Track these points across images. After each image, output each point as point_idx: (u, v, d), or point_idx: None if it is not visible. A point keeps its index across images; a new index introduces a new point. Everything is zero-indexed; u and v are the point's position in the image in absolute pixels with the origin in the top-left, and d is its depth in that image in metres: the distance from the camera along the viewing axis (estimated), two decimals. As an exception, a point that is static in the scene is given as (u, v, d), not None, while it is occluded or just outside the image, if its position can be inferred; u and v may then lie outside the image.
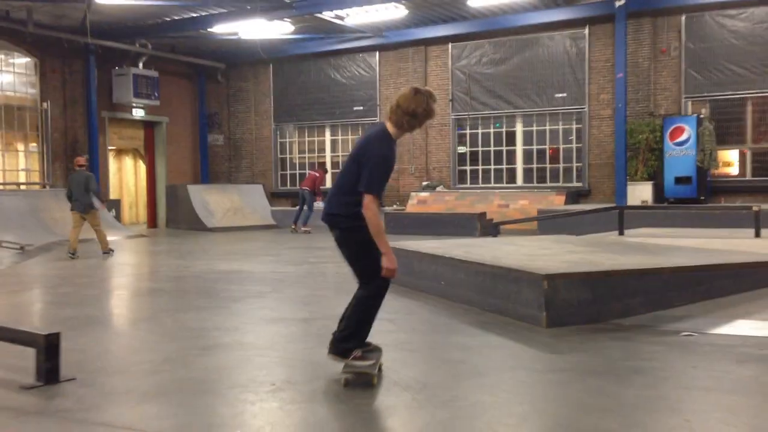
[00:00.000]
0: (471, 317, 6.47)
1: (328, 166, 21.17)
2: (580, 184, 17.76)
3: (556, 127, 18.12)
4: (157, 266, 11.69)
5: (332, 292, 8.18)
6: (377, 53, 20.04)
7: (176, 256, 13.01)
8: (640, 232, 12.29)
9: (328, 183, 18.86)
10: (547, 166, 18.28)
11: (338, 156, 21.08)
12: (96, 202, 12.51)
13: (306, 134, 21.63)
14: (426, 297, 7.57)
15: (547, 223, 14.85)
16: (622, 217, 12.04)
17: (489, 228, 16.34)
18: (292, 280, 9.49)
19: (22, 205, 16.14)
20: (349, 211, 4.45)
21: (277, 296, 8.12)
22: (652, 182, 16.21)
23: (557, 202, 16.99)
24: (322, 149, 21.36)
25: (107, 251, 12.41)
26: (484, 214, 16.46)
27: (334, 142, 21.19)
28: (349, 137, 20.89)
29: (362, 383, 4.34)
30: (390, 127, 4.52)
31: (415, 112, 4.47)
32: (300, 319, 6.69)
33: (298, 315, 6.92)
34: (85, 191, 12.24)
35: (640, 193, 16.13)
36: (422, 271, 7.96)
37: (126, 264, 12.11)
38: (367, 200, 4.34)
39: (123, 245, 15.62)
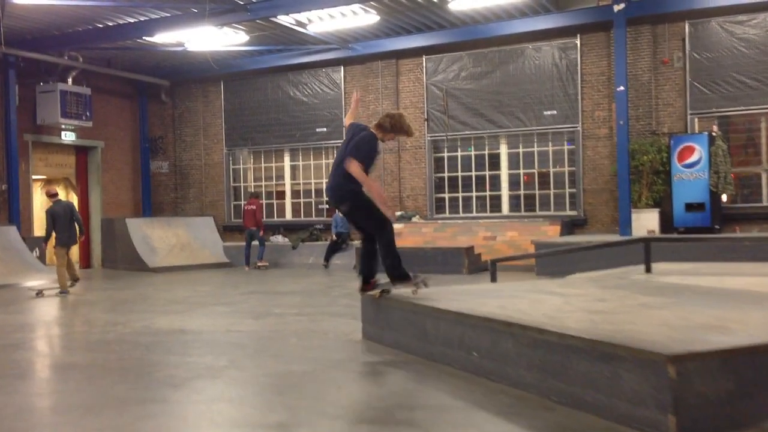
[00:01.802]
0: (538, 418, 4.24)
1: (288, 194, 18.85)
2: (574, 213, 15.79)
3: (546, 148, 16.18)
4: (78, 324, 9.15)
5: (315, 367, 5.86)
6: (342, 68, 17.90)
7: (106, 307, 10.49)
8: (664, 268, 10.31)
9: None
10: (536, 192, 16.28)
11: (299, 183, 18.77)
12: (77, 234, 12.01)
13: (262, 159, 19.26)
14: (451, 375, 5.32)
15: (545, 259, 12.84)
16: (648, 251, 9.98)
17: (478, 265, 14.27)
18: (255, 344, 7.12)
19: None
20: (350, 181, 6.11)
21: (235, 376, 5.74)
22: (658, 209, 14.33)
23: (551, 232, 14.97)
24: (280, 176, 19.00)
25: (66, 291, 11.65)
26: (471, 248, 14.36)
27: (294, 168, 18.88)
28: (312, 162, 18.61)
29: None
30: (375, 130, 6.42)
31: (387, 123, 6.43)
32: (275, 426, 4.33)
33: (270, 417, 4.55)
34: (71, 222, 11.84)
35: (646, 221, 14.22)
36: (441, 335, 5.72)
37: (38, 321, 9.54)
38: (353, 163, 6.04)
39: (46, 292, 12.99)
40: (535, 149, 16.26)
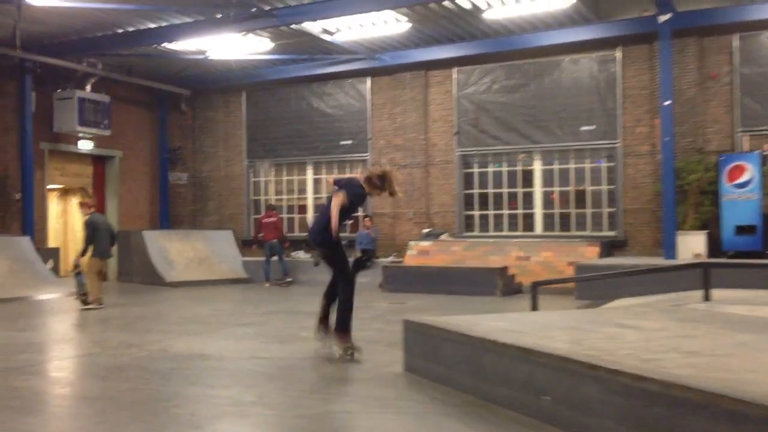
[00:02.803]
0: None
1: (310, 209, 18.17)
2: (613, 233, 14.97)
3: (583, 165, 15.41)
4: (89, 344, 8.45)
5: (356, 406, 5.11)
6: (369, 79, 17.25)
7: (121, 325, 9.79)
8: (720, 296, 9.48)
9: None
10: (572, 211, 15.49)
11: (321, 198, 18.07)
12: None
13: (284, 172, 18.60)
14: (515, 421, 4.55)
15: (586, 282, 12.05)
16: (708, 277, 9.18)
17: (512, 287, 13.51)
18: (285, 375, 6.38)
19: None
20: (328, 236, 6.68)
21: (266, 416, 4.99)
22: (705, 232, 13.50)
23: (589, 254, 14.15)
24: (302, 189, 18.34)
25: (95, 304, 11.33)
26: (505, 269, 13.58)
27: (317, 182, 18.21)
28: (335, 176, 17.91)
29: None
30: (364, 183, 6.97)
31: (378, 181, 6.93)
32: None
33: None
34: (109, 234, 11.76)
35: (692, 244, 13.39)
36: (503, 373, 4.95)
37: (46, 341, 8.86)
38: (339, 195, 6.64)
39: (58, 307, 12.38)
40: (572, 166, 15.49)
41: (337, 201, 6.58)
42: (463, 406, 5.06)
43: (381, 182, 6.91)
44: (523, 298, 12.99)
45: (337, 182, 7.03)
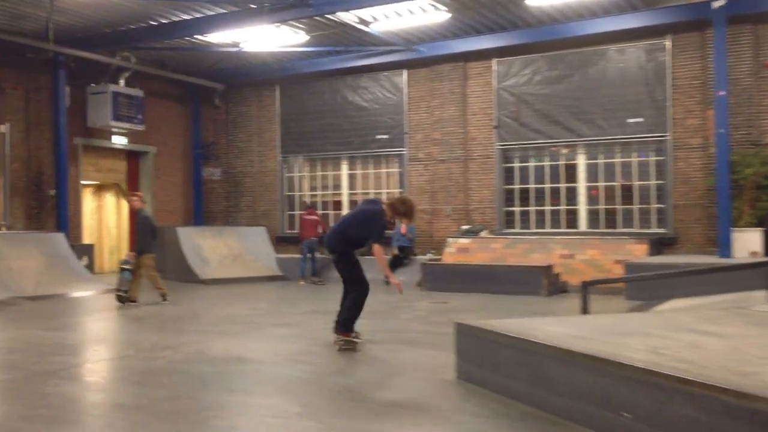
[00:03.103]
0: None
1: (345, 205, 17.79)
2: (662, 230, 14.35)
3: (629, 159, 14.80)
4: (124, 346, 8.14)
5: (410, 419, 4.68)
6: (405, 71, 16.80)
7: (155, 325, 9.49)
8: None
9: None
10: (618, 207, 14.88)
11: (356, 194, 17.69)
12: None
13: (318, 167, 18.25)
14: (595, 441, 4.10)
15: (637, 282, 11.48)
16: (775, 277, 8.62)
17: (557, 286, 12.98)
18: (329, 382, 5.97)
19: (-37, 252, 12.58)
20: (350, 249, 7.44)
21: (312, 430, 4.59)
22: (762, 229, 12.82)
23: (638, 252, 13.54)
24: (337, 185, 17.95)
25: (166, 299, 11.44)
26: (550, 267, 13.04)
27: (352, 177, 17.82)
28: (371, 171, 17.53)
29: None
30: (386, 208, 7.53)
31: (401, 208, 7.53)
32: None
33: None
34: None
35: (748, 242, 12.71)
36: (572, 385, 4.49)
37: (80, 341, 8.58)
38: (377, 248, 7.31)
39: (92, 304, 12.19)
40: (617, 160, 14.89)
41: (378, 251, 7.33)
42: (526, 419, 4.62)
43: (404, 209, 7.54)
44: (568, 297, 12.47)
45: (362, 211, 7.68)
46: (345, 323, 7.36)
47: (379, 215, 7.41)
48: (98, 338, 8.78)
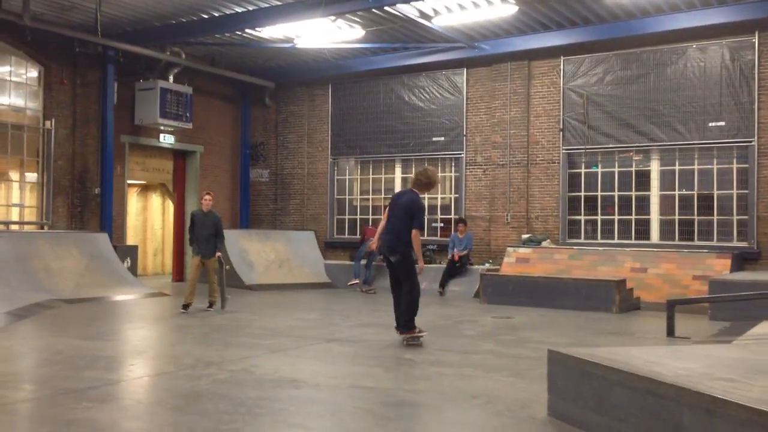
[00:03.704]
0: None
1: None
2: (743, 244, 13.15)
3: (709, 166, 13.63)
4: (163, 360, 7.40)
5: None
6: (465, 70, 15.88)
7: (198, 336, 8.76)
8: None
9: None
10: (695, 218, 13.73)
11: (410, 198, 16.78)
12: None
13: (371, 170, 17.44)
14: None
15: (720, 303, 10.41)
16: None
17: (630, 302, 11.94)
18: (398, 415, 5.10)
19: (4, 251, 12.07)
20: (410, 249, 7.89)
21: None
22: None
23: (719, 267, 12.41)
24: (390, 189, 17.11)
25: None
26: (623, 282, 11.99)
27: (405, 181, 16.96)
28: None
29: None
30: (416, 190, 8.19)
31: (424, 179, 8.22)
32: None
33: None
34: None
35: None
36: (638, 413, 3.55)
37: (116, 353, 7.87)
38: (416, 233, 7.82)
39: (134, 308, 11.59)
40: (695, 167, 13.74)
41: (418, 234, 7.89)
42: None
43: (426, 180, 8.19)
44: (642, 315, 11.44)
45: (397, 203, 8.30)
46: (407, 323, 7.88)
47: (418, 199, 8.03)
48: (136, 350, 8.07)
